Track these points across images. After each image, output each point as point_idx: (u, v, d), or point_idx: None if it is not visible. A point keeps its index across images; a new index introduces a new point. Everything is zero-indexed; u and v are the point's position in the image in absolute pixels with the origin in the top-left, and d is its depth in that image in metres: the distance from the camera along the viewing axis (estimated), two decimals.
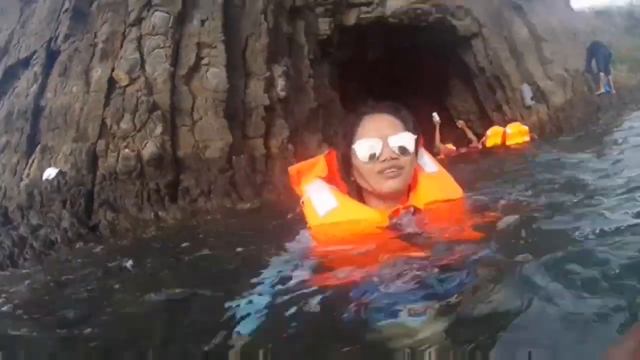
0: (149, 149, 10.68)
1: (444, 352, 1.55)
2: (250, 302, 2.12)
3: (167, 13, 12.07)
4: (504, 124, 16.91)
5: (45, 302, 4.29)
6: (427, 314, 1.74)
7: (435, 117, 15.81)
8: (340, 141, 2.81)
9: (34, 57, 13.15)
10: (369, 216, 2.61)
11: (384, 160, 2.58)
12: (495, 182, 6.35)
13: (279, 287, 2.26)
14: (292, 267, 2.46)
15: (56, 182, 10.43)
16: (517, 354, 1.41)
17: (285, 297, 2.12)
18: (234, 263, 4.01)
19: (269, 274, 2.48)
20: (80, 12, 12.83)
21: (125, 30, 12.20)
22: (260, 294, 2.22)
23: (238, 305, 2.12)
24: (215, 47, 12.29)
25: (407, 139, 2.63)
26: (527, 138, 15.46)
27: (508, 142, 15.30)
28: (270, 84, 12.88)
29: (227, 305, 2.18)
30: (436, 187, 2.77)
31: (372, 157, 2.60)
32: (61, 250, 8.89)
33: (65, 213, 9.88)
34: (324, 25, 16.06)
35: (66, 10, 13.03)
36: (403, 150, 2.61)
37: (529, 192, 3.52)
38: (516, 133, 15.45)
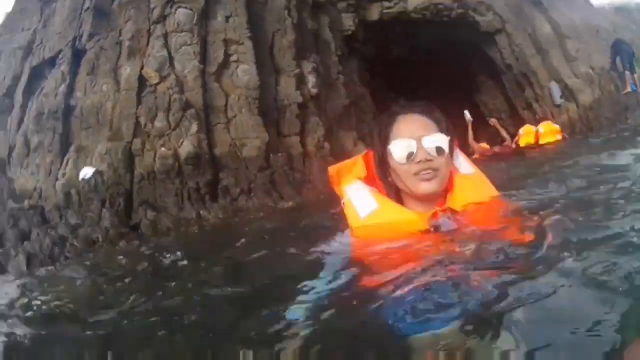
0: (186, 148, 10.70)
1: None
2: (293, 306, 2.17)
3: (190, 9, 12.12)
4: (535, 122, 16.96)
5: (96, 298, 4.33)
6: (466, 321, 1.69)
7: (467, 115, 15.51)
8: (375, 142, 2.78)
9: (60, 56, 13.13)
10: (408, 218, 2.58)
11: (419, 162, 2.54)
12: (533, 183, 6.31)
13: (322, 289, 2.31)
14: (334, 269, 2.51)
15: (93, 182, 10.44)
16: None
17: (326, 301, 2.17)
18: (276, 263, 3.95)
19: (311, 276, 2.52)
20: (101, 10, 12.88)
21: (150, 28, 12.25)
22: (302, 297, 2.28)
23: (280, 307, 2.17)
24: (242, 43, 12.32)
25: (442, 140, 2.58)
26: (559, 137, 15.50)
27: (541, 141, 15.32)
28: (300, 81, 12.90)
29: (267, 307, 2.29)
30: (472, 189, 2.73)
31: (407, 158, 2.56)
32: (102, 249, 8.94)
33: (105, 212, 9.92)
34: (348, 21, 16.12)
35: (87, 8, 13.07)
36: (438, 151, 2.56)
37: (567, 193, 3.48)
38: (548, 132, 15.51)
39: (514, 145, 15.97)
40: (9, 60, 14.93)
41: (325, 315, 2.03)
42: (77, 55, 12.81)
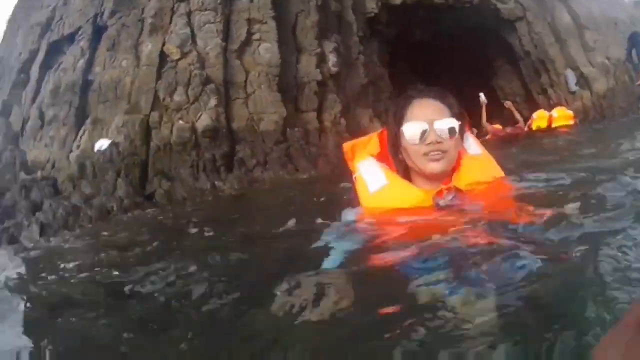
0: (204, 121, 10.82)
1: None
2: (299, 275, 2.19)
3: None
4: (549, 107, 17.26)
5: (112, 263, 4.31)
6: (465, 293, 1.78)
7: (482, 97, 15.87)
8: (391, 122, 2.93)
9: (80, 32, 13.22)
10: (415, 195, 2.75)
11: (429, 143, 2.69)
12: (541, 167, 6.26)
13: (328, 258, 2.41)
14: (341, 240, 2.66)
15: (109, 153, 10.51)
16: (562, 343, 1.41)
17: (333, 270, 2.27)
18: (286, 233, 4.05)
19: (318, 245, 2.71)
20: None
21: (173, 6, 12.31)
22: (310, 266, 2.34)
23: (286, 275, 2.18)
24: (266, 22, 12.41)
25: (452, 124, 2.73)
26: (571, 122, 15.84)
27: (554, 125, 15.66)
28: (321, 60, 13.00)
29: (274, 274, 2.39)
30: (478, 169, 2.88)
31: (419, 139, 2.71)
32: (116, 218, 8.97)
33: (120, 182, 9.99)
34: (371, 3, 16.09)
35: None
36: (448, 134, 2.71)
37: (573, 179, 3.42)
38: (561, 117, 15.88)
39: (526, 129, 16.26)
40: (26, 36, 15.02)
41: (324, 283, 2.06)
42: (98, 31, 12.92)
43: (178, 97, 11.17)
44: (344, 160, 3.12)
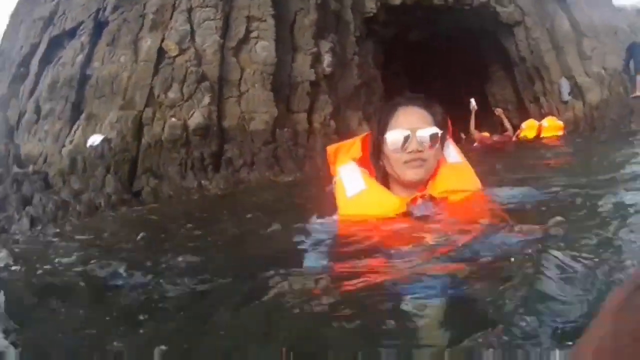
0: (196, 119, 10.92)
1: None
2: (269, 275, 2.20)
3: None
4: (540, 116, 17.27)
5: (97, 257, 4.12)
6: (428, 301, 1.83)
7: (473, 103, 15.85)
8: (375, 128, 2.98)
9: (81, 27, 13.34)
10: (390, 202, 2.79)
11: (410, 152, 2.74)
12: (520, 178, 6.31)
13: (301, 261, 2.47)
14: (315, 245, 2.70)
15: (100, 149, 10.63)
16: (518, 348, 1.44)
17: (304, 274, 2.27)
18: (265, 235, 4.01)
19: (294, 249, 2.76)
20: None
21: (175, 2, 12.43)
22: (281, 267, 2.34)
23: (260, 274, 2.22)
24: (265, 20, 12.53)
25: (434, 133, 2.77)
26: (560, 133, 15.82)
27: (543, 135, 15.66)
28: (316, 60, 13.11)
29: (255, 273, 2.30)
30: (454, 178, 2.91)
31: (401, 147, 2.76)
32: (104, 214, 9.02)
33: (109, 178, 10.10)
34: (370, 3, 16.17)
35: None
36: (429, 143, 2.76)
37: (548, 192, 3.52)
38: (551, 127, 15.91)
39: (514, 138, 16.18)
40: (29, 31, 15.12)
41: (296, 287, 2.08)
42: (99, 26, 13.04)
43: (173, 94, 11.27)
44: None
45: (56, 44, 13.92)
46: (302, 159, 11.64)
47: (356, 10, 15.49)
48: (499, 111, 17.00)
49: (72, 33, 13.63)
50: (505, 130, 16.13)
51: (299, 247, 2.73)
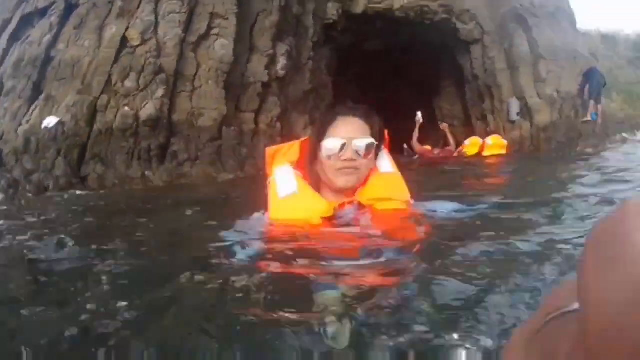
0: (148, 110, 11.14)
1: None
2: (194, 273, 2.31)
3: None
4: (486, 134, 17.28)
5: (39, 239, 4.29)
6: (340, 296, 1.97)
7: (419, 115, 16.21)
8: (314, 134, 3.14)
9: (52, 7, 13.31)
10: (319, 205, 2.95)
11: (344, 160, 2.92)
12: (451, 192, 6.47)
13: (226, 260, 2.61)
14: (242, 244, 2.84)
15: (54, 131, 10.81)
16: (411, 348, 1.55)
17: (228, 271, 2.40)
18: (195, 229, 4.43)
19: (220, 246, 2.90)
20: None
21: None
22: (207, 264, 2.56)
23: (185, 273, 2.31)
24: (227, 18, 12.71)
25: (369, 144, 2.95)
26: (503, 152, 15.88)
27: (485, 153, 15.74)
28: (271, 61, 13.33)
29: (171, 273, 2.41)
30: (383, 187, 3.08)
31: (335, 155, 2.94)
32: (50, 196, 9.28)
33: (59, 161, 10.38)
34: (332, 10, 16.25)
35: None
36: (363, 153, 2.94)
37: (476, 209, 3.57)
38: (495, 145, 15.94)
39: (456, 153, 16.46)
40: (2, 6, 14.93)
41: (222, 284, 2.19)
42: (69, 8, 12.98)
43: (129, 83, 11.41)
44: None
45: (27, 22, 13.88)
46: (245, 159, 11.95)
47: (317, 16, 15.64)
48: (444, 126, 17.35)
49: (43, 12, 13.57)
50: (448, 145, 16.48)
51: (228, 243, 2.86)
